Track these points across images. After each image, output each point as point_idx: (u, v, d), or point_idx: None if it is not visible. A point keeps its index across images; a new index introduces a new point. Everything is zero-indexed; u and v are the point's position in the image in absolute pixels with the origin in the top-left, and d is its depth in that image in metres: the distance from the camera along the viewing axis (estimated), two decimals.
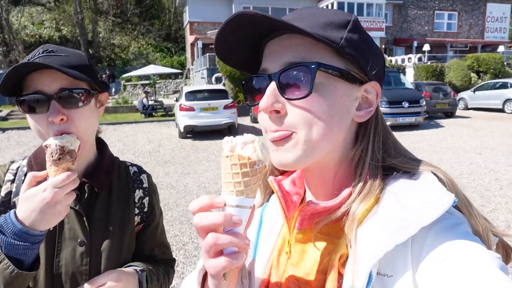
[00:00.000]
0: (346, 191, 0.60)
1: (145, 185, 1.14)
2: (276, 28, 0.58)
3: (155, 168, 7.83)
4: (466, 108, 17.92)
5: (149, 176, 1.18)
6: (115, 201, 1.05)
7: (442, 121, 14.09)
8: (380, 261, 0.51)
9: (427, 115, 12.87)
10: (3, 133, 13.59)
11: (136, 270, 1.02)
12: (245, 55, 0.65)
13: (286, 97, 0.57)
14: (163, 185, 6.55)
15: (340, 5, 26.10)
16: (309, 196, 0.70)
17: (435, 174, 0.58)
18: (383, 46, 27.77)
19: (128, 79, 26.83)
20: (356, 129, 0.64)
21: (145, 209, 1.12)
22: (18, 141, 11.76)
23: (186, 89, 12.38)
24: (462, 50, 30.45)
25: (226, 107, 11.56)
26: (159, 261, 1.15)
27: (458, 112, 16.28)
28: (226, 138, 0.54)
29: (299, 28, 0.53)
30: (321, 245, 0.63)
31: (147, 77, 24.49)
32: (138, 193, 1.12)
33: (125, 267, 1.02)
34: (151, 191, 1.16)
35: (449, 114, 15.28)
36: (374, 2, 27.08)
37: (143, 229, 1.12)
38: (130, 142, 11.21)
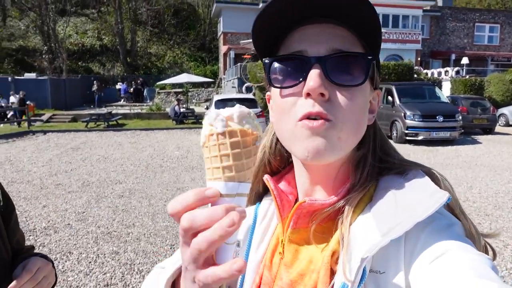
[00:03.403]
0: (344, 189, 0.61)
1: None
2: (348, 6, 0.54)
3: (182, 173, 7.98)
4: (508, 124, 17.00)
5: None
6: None
7: (479, 137, 13.45)
8: (373, 258, 0.51)
9: (462, 130, 12.33)
10: (44, 135, 14.37)
11: (43, 256, 1.03)
12: (272, 37, 0.62)
13: (336, 82, 0.55)
14: (187, 190, 6.65)
15: None
16: (302, 195, 0.69)
17: (428, 174, 0.59)
18: (419, 59, 27.04)
19: (162, 87, 27.67)
20: None
21: (1, 203, 1.06)
22: (57, 143, 12.38)
23: (217, 97, 12.61)
24: (504, 64, 29.06)
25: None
26: (28, 250, 1.11)
27: (498, 129, 15.47)
28: (212, 111, 0.45)
29: (376, 16, 0.53)
30: (316, 243, 0.62)
31: (180, 85, 25.17)
32: None
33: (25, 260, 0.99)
34: None
35: (488, 130, 14.56)
36: (410, 14, 26.51)
37: (5, 223, 1.05)
38: (160, 147, 11.50)
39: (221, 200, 0.43)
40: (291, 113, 0.57)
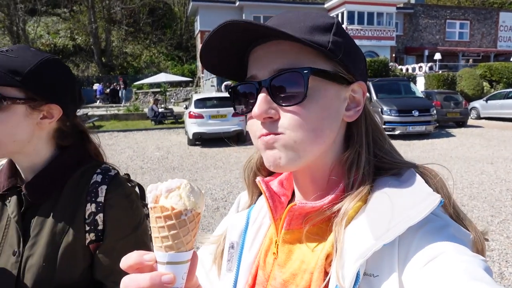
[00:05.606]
0: (336, 191, 0.61)
1: (100, 198, 0.95)
2: (265, 35, 0.57)
3: (163, 174, 7.88)
4: (479, 117, 17.65)
5: (111, 189, 0.97)
6: (58, 214, 0.93)
7: (453, 130, 13.90)
8: (367, 261, 0.51)
9: (437, 124, 12.71)
10: None
11: None
12: (231, 63, 0.65)
13: (279, 103, 0.57)
14: None
15: (350, 14, 26.15)
16: (297, 197, 0.70)
17: (423, 175, 0.59)
18: (394, 55, 27.67)
19: (140, 87, 27.19)
20: (346, 130, 0.65)
21: (99, 227, 0.95)
22: None
23: (196, 96, 12.50)
24: (474, 59, 30.12)
25: (235, 114, 11.55)
26: None
27: (470, 122, 16.03)
28: (151, 186, 0.49)
29: (289, 35, 0.52)
30: (309, 245, 0.63)
31: (158, 85, 24.81)
32: (90, 208, 0.94)
33: None
34: (107, 206, 0.95)
35: (461, 124, 15.06)
36: (384, 11, 27.07)
37: (96, 248, 0.96)
38: (139, 148, 11.31)
39: (157, 266, 0.48)
40: (253, 133, 0.62)
